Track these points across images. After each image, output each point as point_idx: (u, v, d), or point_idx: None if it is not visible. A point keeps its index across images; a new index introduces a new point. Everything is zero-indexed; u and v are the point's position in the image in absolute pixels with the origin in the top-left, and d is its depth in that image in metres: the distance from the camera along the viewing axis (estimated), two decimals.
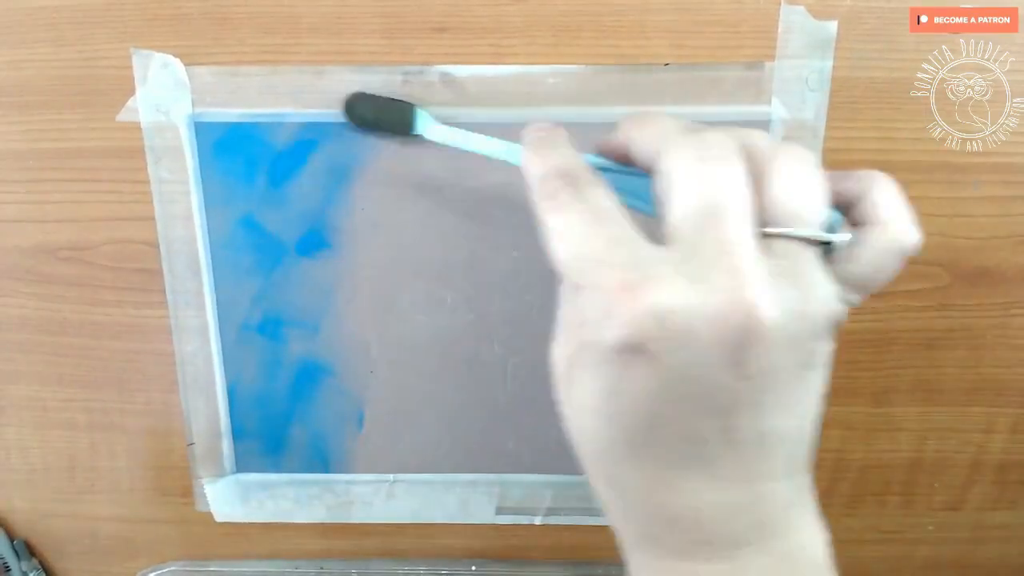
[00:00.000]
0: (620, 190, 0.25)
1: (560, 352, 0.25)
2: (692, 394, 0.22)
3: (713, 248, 0.21)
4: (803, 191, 0.23)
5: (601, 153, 0.28)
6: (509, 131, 0.39)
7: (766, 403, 0.22)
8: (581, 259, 0.23)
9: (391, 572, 0.46)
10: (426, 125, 0.37)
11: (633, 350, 0.21)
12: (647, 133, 0.26)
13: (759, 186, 0.22)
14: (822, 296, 0.22)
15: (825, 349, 0.23)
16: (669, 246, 0.22)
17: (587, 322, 0.23)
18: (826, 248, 0.23)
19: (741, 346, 0.21)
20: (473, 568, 0.46)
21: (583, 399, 0.24)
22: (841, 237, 0.23)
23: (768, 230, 0.22)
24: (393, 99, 0.37)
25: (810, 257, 0.22)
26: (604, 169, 0.28)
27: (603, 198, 0.24)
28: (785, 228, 0.22)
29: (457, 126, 0.38)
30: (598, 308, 0.22)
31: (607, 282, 0.22)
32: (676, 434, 0.22)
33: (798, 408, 0.23)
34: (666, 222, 0.22)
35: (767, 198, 0.22)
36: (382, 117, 0.37)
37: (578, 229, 0.23)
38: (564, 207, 0.24)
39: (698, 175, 0.22)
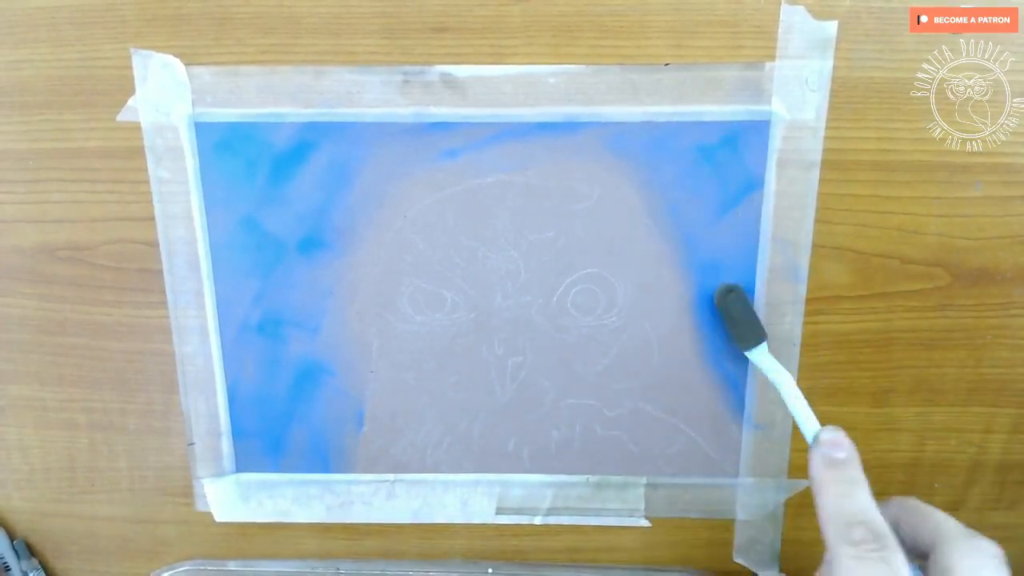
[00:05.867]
0: None
1: None
2: None
3: None
4: None
5: None
6: (509, 131, 0.39)
7: None
8: None
9: (406, 572, 0.46)
10: (760, 354, 0.39)
11: None
12: (924, 525, 0.30)
13: None
14: None
15: None
16: None
17: None
18: None
19: None
20: (490, 571, 0.46)
21: None
22: None
23: None
24: (757, 319, 0.40)
25: None
26: None
27: (902, 563, 0.27)
28: None
29: (460, 127, 0.38)
30: None
31: None
32: None
33: None
34: None
35: None
36: (739, 320, 0.39)
37: None
38: (867, 560, 0.27)
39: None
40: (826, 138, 0.38)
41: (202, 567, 0.46)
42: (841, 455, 0.31)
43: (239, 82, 0.39)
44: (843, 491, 0.30)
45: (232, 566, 0.46)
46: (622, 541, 0.46)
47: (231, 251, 0.41)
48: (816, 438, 0.33)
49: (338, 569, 0.46)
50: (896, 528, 0.30)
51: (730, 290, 0.39)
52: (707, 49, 0.37)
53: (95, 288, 0.42)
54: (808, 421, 0.36)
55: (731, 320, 0.40)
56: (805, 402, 0.36)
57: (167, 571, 0.46)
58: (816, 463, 0.32)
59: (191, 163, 0.40)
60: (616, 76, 0.38)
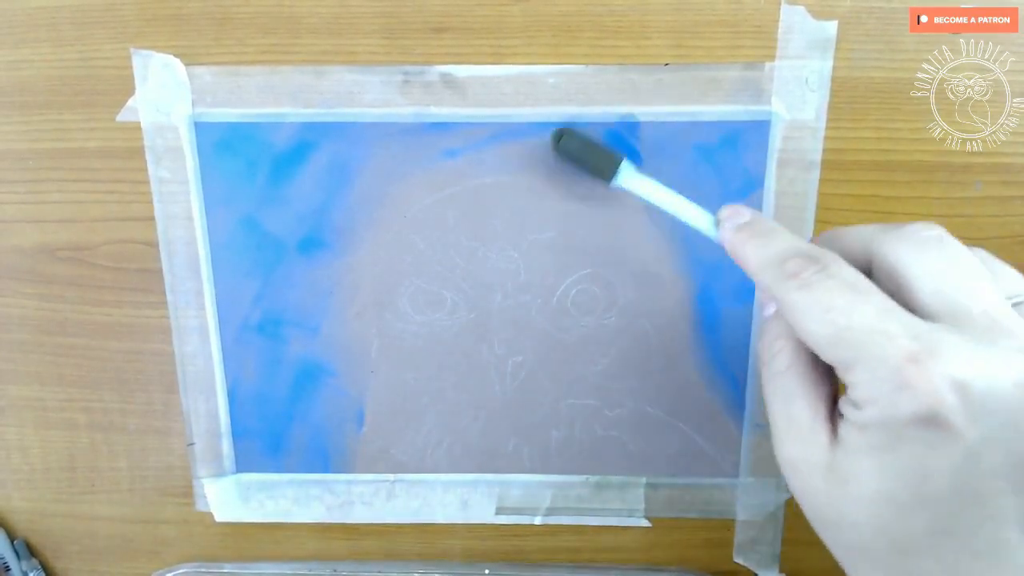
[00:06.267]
0: None
1: (807, 447, 0.24)
2: (997, 469, 0.21)
3: (985, 319, 0.21)
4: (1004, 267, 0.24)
5: None
6: (509, 131, 0.39)
7: None
8: (852, 331, 0.22)
9: (405, 572, 0.46)
10: (625, 176, 0.36)
11: (932, 423, 0.21)
12: (850, 245, 0.26)
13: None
14: None
15: None
16: (932, 321, 0.22)
17: (868, 400, 0.22)
18: None
19: None
20: (487, 572, 0.46)
21: (864, 490, 0.22)
22: None
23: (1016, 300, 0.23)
24: (603, 145, 0.36)
25: None
26: None
27: (852, 272, 0.23)
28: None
29: (460, 127, 0.38)
30: (885, 382, 0.21)
31: (893, 353, 0.21)
32: (981, 516, 0.21)
33: None
34: (917, 301, 0.23)
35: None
36: (586, 156, 0.36)
37: (840, 303, 0.22)
38: (815, 284, 0.23)
39: (941, 256, 0.23)
40: (826, 138, 0.38)
41: (199, 570, 0.46)
42: (746, 217, 0.29)
43: (239, 82, 0.39)
44: (763, 241, 0.26)
45: (228, 568, 0.46)
46: (622, 541, 0.46)
47: (231, 251, 0.41)
48: (716, 219, 0.30)
49: (335, 570, 0.46)
50: None
51: (561, 135, 0.36)
52: (707, 49, 0.37)
53: (95, 288, 0.42)
54: (699, 216, 0.33)
55: (578, 160, 0.36)
56: (687, 200, 0.34)
57: (168, 573, 0.46)
58: (726, 235, 0.29)
59: (191, 163, 0.40)
60: (616, 76, 0.38)
